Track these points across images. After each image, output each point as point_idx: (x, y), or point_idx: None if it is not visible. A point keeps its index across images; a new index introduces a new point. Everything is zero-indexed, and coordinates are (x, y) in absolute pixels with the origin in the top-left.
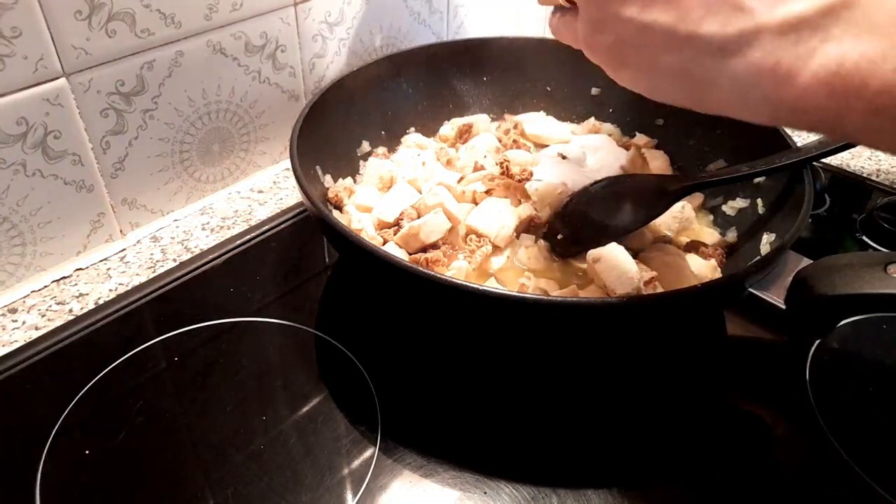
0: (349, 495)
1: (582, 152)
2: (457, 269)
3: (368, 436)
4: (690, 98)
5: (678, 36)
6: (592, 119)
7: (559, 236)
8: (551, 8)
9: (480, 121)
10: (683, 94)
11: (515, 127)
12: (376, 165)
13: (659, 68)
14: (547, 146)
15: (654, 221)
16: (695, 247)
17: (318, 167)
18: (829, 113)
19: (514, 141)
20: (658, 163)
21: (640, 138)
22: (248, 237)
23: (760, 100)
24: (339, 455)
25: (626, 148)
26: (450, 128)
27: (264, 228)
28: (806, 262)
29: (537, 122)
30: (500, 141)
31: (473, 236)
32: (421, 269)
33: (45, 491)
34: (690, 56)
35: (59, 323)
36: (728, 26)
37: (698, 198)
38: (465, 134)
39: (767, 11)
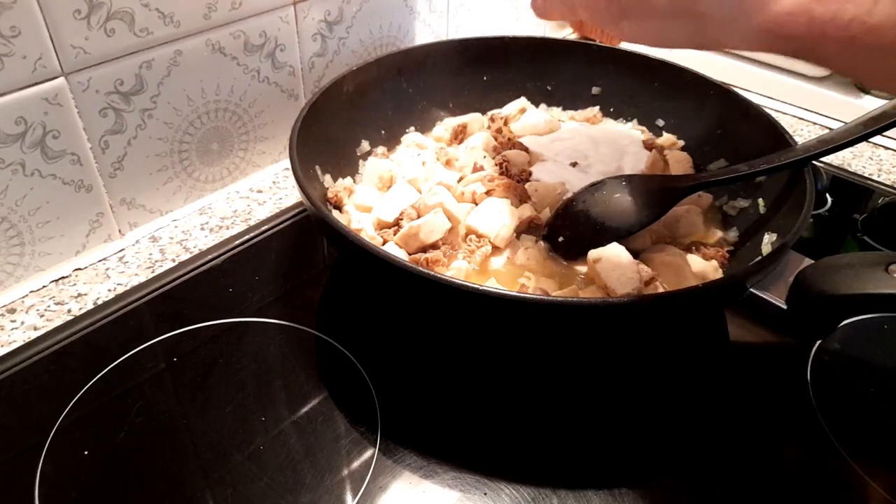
0: (349, 496)
1: (583, 153)
2: (457, 269)
3: (368, 436)
4: (689, 36)
5: None
6: (597, 108)
7: (559, 237)
8: None
9: (474, 120)
10: (682, 34)
11: (506, 123)
12: (376, 165)
13: (659, 13)
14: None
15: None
16: (696, 247)
17: (317, 167)
18: (807, 40)
19: (509, 139)
20: (681, 167)
21: (667, 139)
22: (247, 237)
23: (749, 28)
24: (338, 456)
25: (648, 148)
26: (443, 129)
27: (263, 228)
28: (807, 262)
29: (523, 121)
30: (495, 140)
31: (473, 236)
32: (421, 269)
33: (44, 491)
34: None
35: (57, 323)
36: None
37: (707, 198)
38: (459, 134)
39: None
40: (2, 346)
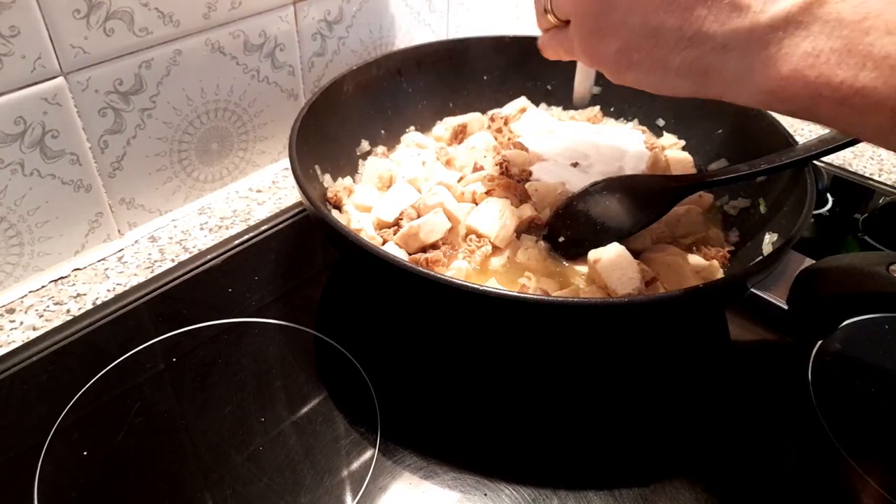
0: (348, 497)
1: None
2: (457, 269)
3: (368, 437)
4: (694, 89)
5: (685, 36)
6: (597, 108)
7: (560, 237)
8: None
9: (474, 120)
10: (688, 86)
11: (506, 123)
12: (376, 165)
13: (667, 66)
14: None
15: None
16: (696, 247)
17: (317, 166)
18: (804, 101)
19: (509, 139)
20: (682, 167)
21: (668, 138)
22: (246, 237)
23: (753, 87)
24: (338, 456)
25: (649, 148)
26: (443, 128)
27: (263, 228)
28: (808, 262)
29: (523, 121)
30: (495, 139)
31: (473, 236)
32: (421, 269)
33: (44, 492)
34: (697, 53)
35: (56, 323)
36: (728, 24)
37: (708, 198)
38: (459, 134)
39: (761, 8)
40: (1, 346)
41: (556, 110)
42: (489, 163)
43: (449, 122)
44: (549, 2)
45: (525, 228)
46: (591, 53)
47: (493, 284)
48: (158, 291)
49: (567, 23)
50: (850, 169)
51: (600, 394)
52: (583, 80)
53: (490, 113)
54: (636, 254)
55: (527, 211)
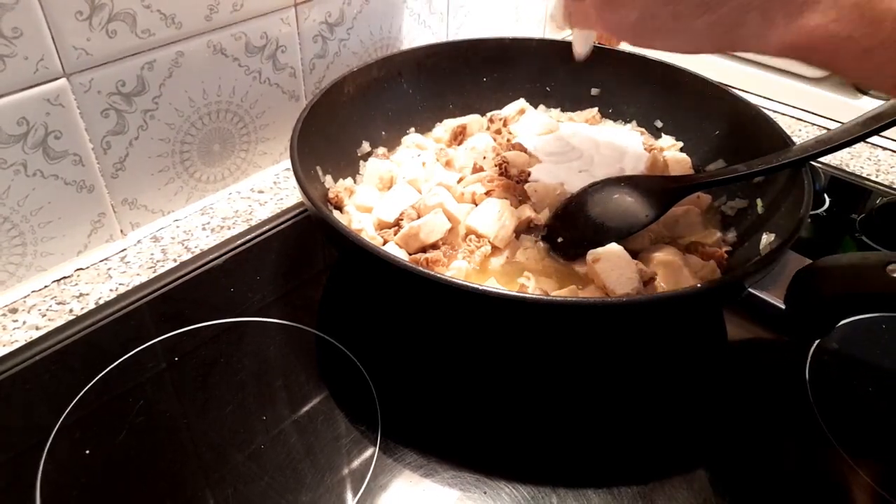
0: (349, 495)
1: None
2: (457, 269)
3: (368, 435)
4: (717, 47)
5: (704, 1)
6: (595, 109)
7: (559, 237)
8: (551, 6)
9: (474, 121)
10: (710, 45)
11: (505, 124)
12: (376, 165)
13: (688, 30)
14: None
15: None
16: (694, 247)
17: (318, 167)
18: (826, 54)
19: (508, 140)
20: (680, 167)
21: (666, 140)
22: (248, 237)
23: (776, 41)
24: (339, 455)
25: (648, 150)
26: (442, 130)
27: (265, 228)
28: (805, 262)
29: (522, 122)
30: (495, 140)
31: (473, 236)
32: (421, 269)
33: (46, 491)
34: (718, 15)
35: (59, 323)
36: None
37: (706, 199)
38: (459, 135)
39: None
40: (4, 345)
41: (555, 112)
42: (489, 164)
43: (448, 123)
44: None
45: (524, 229)
46: (609, 24)
47: (492, 284)
48: (160, 291)
49: None
50: (848, 169)
51: (599, 393)
52: (581, 42)
53: (489, 114)
54: (634, 254)
55: (526, 211)
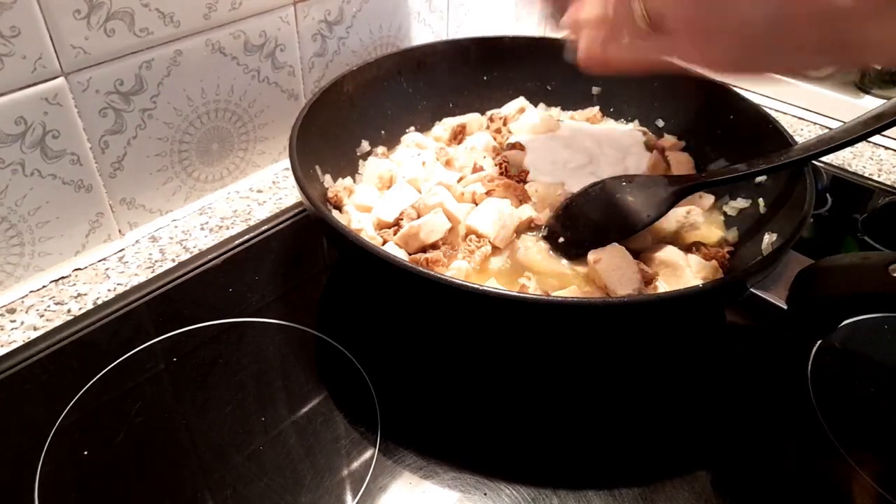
0: (349, 496)
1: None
2: (457, 269)
3: (368, 437)
4: (833, 62)
5: (814, 16)
6: (597, 108)
7: (559, 237)
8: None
9: (473, 120)
10: (826, 62)
11: (505, 123)
12: (376, 165)
13: (800, 49)
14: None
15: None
16: (696, 247)
17: (317, 167)
18: None
19: (508, 139)
20: (682, 167)
21: (668, 139)
22: (247, 237)
23: None
24: (338, 456)
25: (650, 149)
26: (442, 129)
27: (263, 228)
28: (807, 262)
29: (522, 121)
30: (494, 139)
31: (473, 236)
32: (421, 269)
33: (44, 491)
34: (831, 29)
35: (57, 323)
36: None
37: (708, 199)
38: (458, 135)
39: None
40: (1, 346)
41: (556, 111)
42: (489, 163)
43: (448, 122)
44: (644, 9)
45: (525, 228)
46: (707, 58)
47: (492, 284)
48: (159, 291)
49: (656, 27)
50: (850, 169)
51: (600, 393)
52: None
53: (489, 113)
54: (636, 254)
55: (526, 211)
